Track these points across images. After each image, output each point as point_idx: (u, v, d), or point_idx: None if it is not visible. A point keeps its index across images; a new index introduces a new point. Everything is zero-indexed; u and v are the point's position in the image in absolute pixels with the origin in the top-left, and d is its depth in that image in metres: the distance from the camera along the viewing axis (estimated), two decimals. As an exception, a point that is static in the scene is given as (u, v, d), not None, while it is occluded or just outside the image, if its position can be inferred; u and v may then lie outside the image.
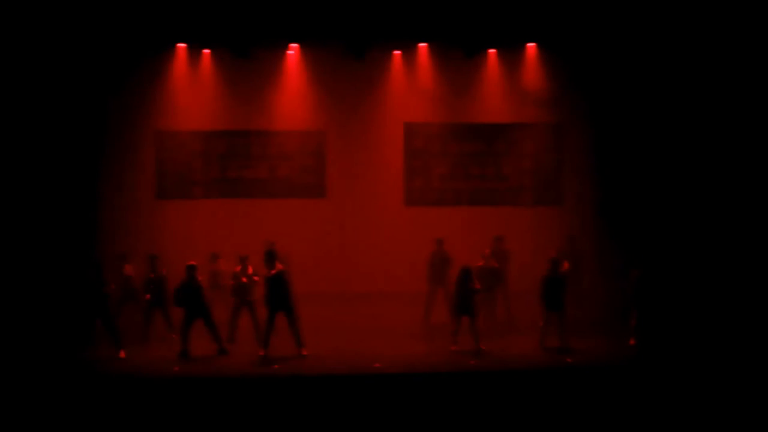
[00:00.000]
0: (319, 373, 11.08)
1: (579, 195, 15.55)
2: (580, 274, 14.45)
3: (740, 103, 13.65)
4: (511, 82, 15.76)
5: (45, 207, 13.78)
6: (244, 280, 12.82)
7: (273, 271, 11.90)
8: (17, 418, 9.96)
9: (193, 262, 12.36)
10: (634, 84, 14.47)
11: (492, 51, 15.46)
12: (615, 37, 14.14)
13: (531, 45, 15.40)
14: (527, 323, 13.39)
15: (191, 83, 15.57)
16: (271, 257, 12.00)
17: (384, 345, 12.74)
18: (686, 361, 11.69)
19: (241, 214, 16.04)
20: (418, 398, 10.51)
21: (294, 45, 15.24)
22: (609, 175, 15.31)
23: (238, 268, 12.98)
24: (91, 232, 14.68)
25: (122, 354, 12.12)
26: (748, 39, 13.41)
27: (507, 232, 15.41)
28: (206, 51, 15.33)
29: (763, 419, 9.91)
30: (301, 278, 14.94)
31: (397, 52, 15.60)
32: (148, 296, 13.17)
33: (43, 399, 10.34)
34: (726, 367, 11.25)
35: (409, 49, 15.45)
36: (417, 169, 15.38)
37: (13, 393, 10.46)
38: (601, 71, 14.96)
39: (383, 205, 16.01)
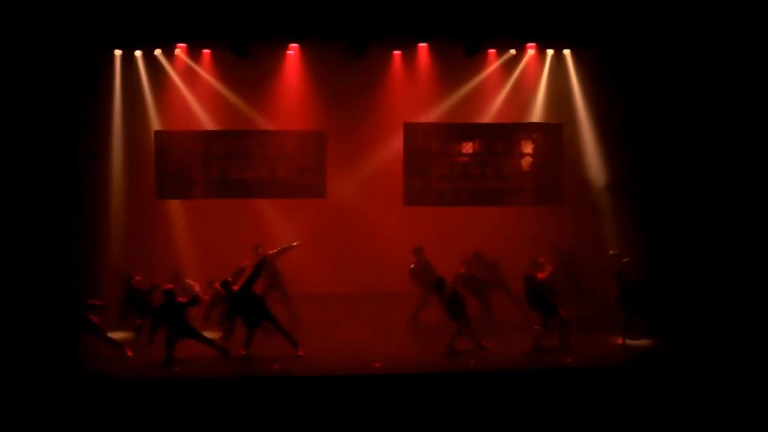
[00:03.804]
0: (319, 373, 11.08)
1: (579, 195, 15.53)
2: (575, 278, 14.46)
3: (741, 102, 13.65)
4: (511, 82, 15.76)
5: (44, 207, 13.76)
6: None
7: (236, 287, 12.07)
8: (16, 422, 9.97)
9: (170, 286, 12.24)
10: (635, 83, 14.45)
11: (492, 51, 15.45)
12: (614, 36, 14.12)
13: (531, 45, 15.40)
14: (527, 323, 13.38)
15: (191, 83, 15.57)
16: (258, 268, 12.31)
17: (384, 345, 12.74)
18: (687, 362, 11.70)
19: (241, 214, 16.04)
20: (418, 398, 10.51)
21: (294, 45, 15.23)
22: (610, 174, 15.34)
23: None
24: (91, 232, 14.67)
25: (129, 353, 12.13)
26: (747, 41, 13.44)
27: (507, 232, 15.43)
28: (206, 51, 15.31)
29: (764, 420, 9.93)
30: (301, 278, 15.02)
31: (397, 52, 15.58)
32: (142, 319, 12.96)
33: (41, 401, 10.34)
34: (729, 366, 11.26)
35: (409, 49, 15.43)
36: (417, 169, 15.34)
37: (12, 396, 10.45)
38: (602, 70, 14.95)
39: (383, 205, 16.00)
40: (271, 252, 14.05)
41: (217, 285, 12.96)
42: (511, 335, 13.23)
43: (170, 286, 12.33)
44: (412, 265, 14.46)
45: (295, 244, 14.25)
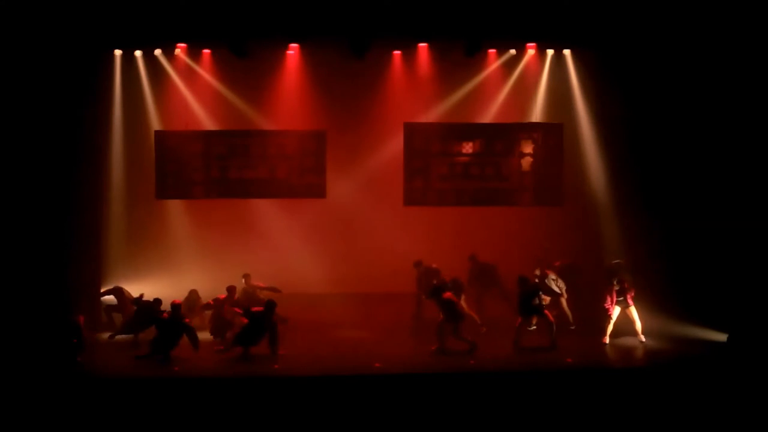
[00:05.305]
0: (319, 373, 11.09)
1: (579, 195, 15.53)
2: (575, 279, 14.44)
3: (741, 102, 13.67)
4: (511, 82, 15.76)
5: (43, 207, 13.75)
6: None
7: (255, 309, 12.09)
8: (16, 421, 9.98)
9: (178, 301, 12.25)
10: (635, 83, 14.45)
11: (492, 51, 15.45)
12: (614, 36, 14.12)
13: (531, 45, 15.40)
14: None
15: (191, 83, 15.57)
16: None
17: (384, 345, 12.75)
18: (686, 361, 11.71)
19: (241, 214, 16.05)
20: (418, 398, 10.52)
21: (294, 45, 15.23)
22: (610, 174, 15.34)
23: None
24: (91, 232, 14.66)
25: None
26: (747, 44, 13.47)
27: (507, 232, 15.41)
28: (206, 51, 15.31)
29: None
30: (301, 278, 15.01)
31: (397, 52, 15.59)
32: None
33: (40, 401, 10.34)
34: (728, 366, 11.28)
35: (409, 49, 15.43)
36: (417, 169, 15.36)
37: (13, 396, 10.46)
38: (602, 70, 14.94)
39: (383, 205, 16.00)
40: (255, 284, 13.84)
41: (210, 301, 13.11)
42: (508, 335, 13.22)
43: (178, 300, 12.35)
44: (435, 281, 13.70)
45: (281, 290, 13.63)
